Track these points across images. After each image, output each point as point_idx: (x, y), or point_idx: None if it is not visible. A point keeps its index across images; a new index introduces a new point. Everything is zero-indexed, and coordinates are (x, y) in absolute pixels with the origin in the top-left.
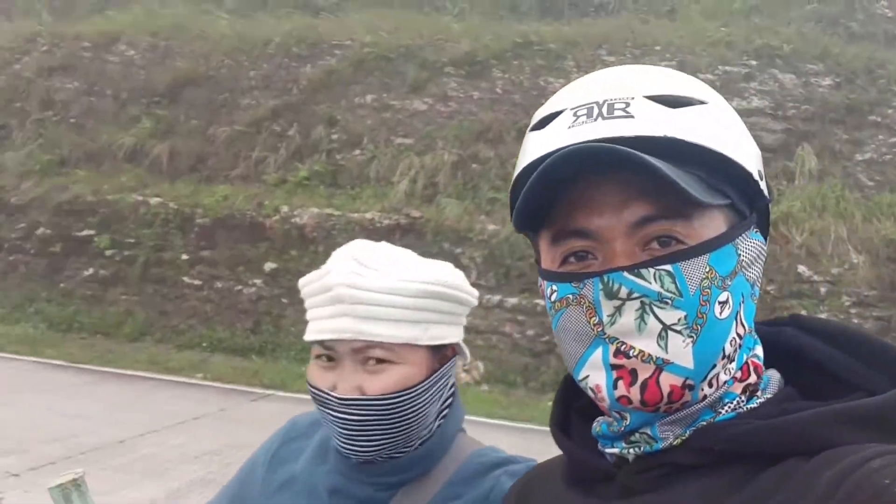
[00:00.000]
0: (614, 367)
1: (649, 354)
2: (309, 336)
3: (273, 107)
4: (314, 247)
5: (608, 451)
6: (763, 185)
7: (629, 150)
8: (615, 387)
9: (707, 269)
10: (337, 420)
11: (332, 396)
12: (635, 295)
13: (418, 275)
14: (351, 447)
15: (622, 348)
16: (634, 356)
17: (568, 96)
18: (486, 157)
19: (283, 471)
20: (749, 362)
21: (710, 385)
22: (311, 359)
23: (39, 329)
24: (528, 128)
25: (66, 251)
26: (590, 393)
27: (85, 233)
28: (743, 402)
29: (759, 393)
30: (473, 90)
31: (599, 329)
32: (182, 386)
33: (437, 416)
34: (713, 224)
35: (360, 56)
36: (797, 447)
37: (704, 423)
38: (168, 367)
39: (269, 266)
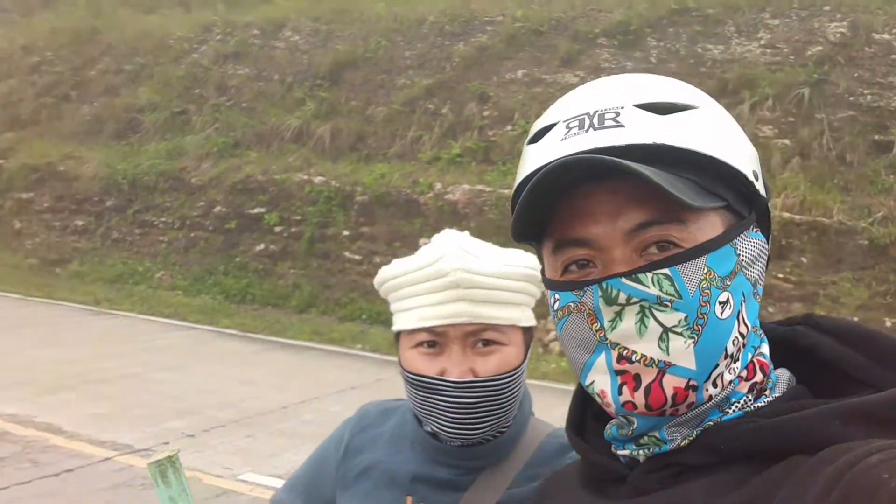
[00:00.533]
0: (618, 372)
1: (651, 358)
2: (414, 324)
3: (427, 85)
4: (466, 222)
5: (620, 452)
6: (759, 184)
7: (615, 159)
8: (620, 392)
9: (706, 271)
10: (449, 404)
11: (446, 381)
12: (634, 300)
13: (517, 260)
14: (459, 429)
15: (624, 353)
16: (637, 360)
17: (561, 109)
18: None
19: (359, 459)
20: (755, 361)
21: (715, 385)
22: (404, 349)
23: (217, 300)
24: (525, 141)
25: (240, 228)
26: (596, 398)
27: (256, 210)
28: (750, 401)
29: (767, 392)
30: (627, 61)
31: (601, 335)
32: (342, 356)
33: None
34: (709, 226)
35: (511, 31)
36: (801, 445)
37: (711, 423)
38: (330, 337)
39: (423, 242)
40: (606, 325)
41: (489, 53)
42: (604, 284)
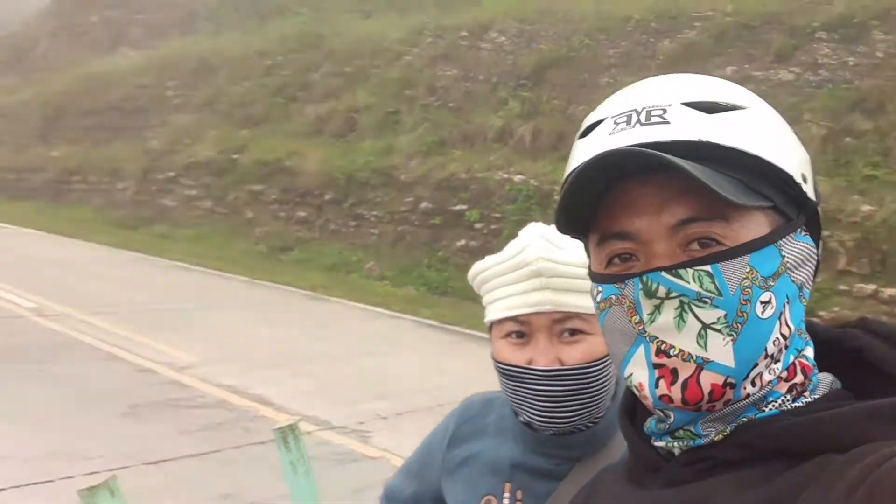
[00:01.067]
0: (656, 365)
1: (689, 353)
2: (501, 314)
3: (630, 84)
4: None
5: (656, 444)
6: (809, 188)
7: (658, 153)
8: (657, 385)
9: (748, 270)
10: (538, 393)
11: (532, 369)
12: (674, 294)
13: None
14: (549, 418)
15: (663, 347)
16: (675, 355)
17: (610, 105)
18: (862, 130)
19: (463, 448)
20: (797, 363)
21: (754, 384)
22: (495, 339)
23: (420, 291)
24: (576, 136)
25: (443, 223)
26: (634, 390)
27: (458, 207)
28: (788, 400)
29: (806, 393)
30: (849, 56)
31: (640, 328)
32: None
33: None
34: (754, 226)
35: (721, 26)
36: (833, 443)
37: (746, 419)
38: None
39: None
40: (645, 318)
41: (696, 50)
42: (644, 278)
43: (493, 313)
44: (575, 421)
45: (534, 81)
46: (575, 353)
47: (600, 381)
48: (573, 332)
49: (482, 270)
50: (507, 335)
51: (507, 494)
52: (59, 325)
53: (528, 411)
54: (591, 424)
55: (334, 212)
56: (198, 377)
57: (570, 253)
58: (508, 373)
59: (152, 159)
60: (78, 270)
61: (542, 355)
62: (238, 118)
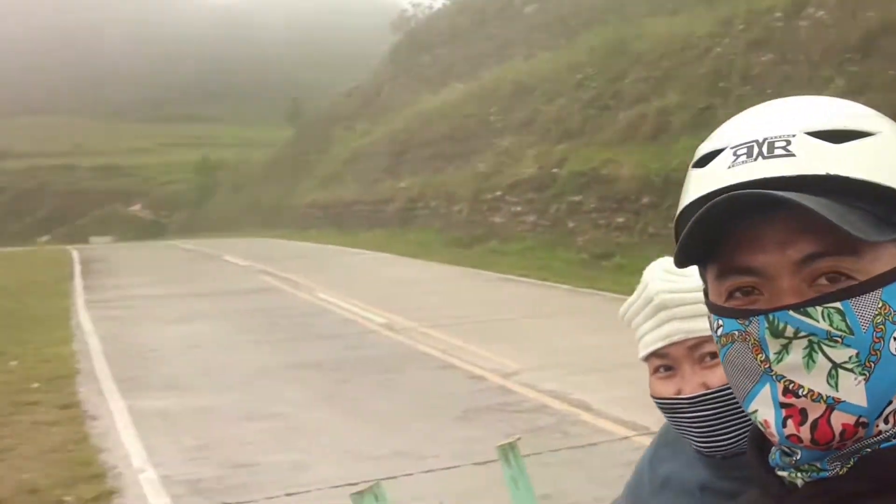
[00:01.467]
0: (783, 405)
1: (819, 394)
2: (643, 352)
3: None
4: None
5: (780, 473)
6: None
7: (784, 194)
8: (784, 425)
9: (880, 305)
10: (692, 420)
11: (681, 399)
12: (802, 333)
13: None
14: (709, 442)
15: (791, 387)
16: (804, 395)
17: (729, 133)
18: None
19: (661, 470)
20: None
21: (887, 421)
22: (649, 376)
23: None
24: (691, 163)
25: None
26: (759, 426)
27: None
28: None
29: None
30: None
31: (767, 366)
32: None
33: None
34: (886, 258)
35: None
36: None
37: (870, 450)
38: None
39: None
40: (772, 357)
41: None
42: (771, 316)
43: (640, 351)
44: (736, 441)
45: (862, 54)
46: (718, 375)
47: None
48: (713, 355)
49: (624, 312)
50: (656, 370)
51: None
52: (404, 337)
53: (690, 439)
54: None
55: (652, 215)
56: (522, 383)
57: (691, 280)
58: (663, 406)
59: (481, 181)
60: (420, 287)
61: (687, 383)
62: (555, 134)
